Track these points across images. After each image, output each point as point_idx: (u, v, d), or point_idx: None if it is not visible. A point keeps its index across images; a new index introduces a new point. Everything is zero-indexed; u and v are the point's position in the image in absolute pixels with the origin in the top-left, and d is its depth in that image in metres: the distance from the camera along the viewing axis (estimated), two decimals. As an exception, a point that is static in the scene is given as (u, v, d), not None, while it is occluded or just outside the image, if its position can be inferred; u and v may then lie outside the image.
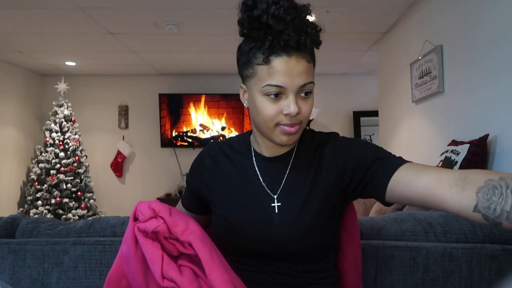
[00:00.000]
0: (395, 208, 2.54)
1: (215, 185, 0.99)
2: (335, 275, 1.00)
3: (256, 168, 0.97)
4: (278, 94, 0.85)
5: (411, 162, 0.86)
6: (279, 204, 0.92)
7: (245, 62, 0.89)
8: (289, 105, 0.84)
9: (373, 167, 0.87)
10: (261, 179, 0.96)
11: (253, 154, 0.99)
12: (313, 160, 0.95)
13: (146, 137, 5.45)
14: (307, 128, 1.01)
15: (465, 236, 1.32)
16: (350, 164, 0.90)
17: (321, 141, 0.97)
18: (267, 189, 0.94)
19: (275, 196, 0.93)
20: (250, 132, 1.03)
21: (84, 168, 4.82)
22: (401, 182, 0.82)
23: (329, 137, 0.98)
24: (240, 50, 0.90)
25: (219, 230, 0.99)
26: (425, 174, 0.79)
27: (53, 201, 4.53)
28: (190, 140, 5.35)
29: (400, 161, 0.86)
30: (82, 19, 3.23)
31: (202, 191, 1.01)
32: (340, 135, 0.99)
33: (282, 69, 0.83)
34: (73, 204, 4.61)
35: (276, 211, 0.92)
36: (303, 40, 0.82)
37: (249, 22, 0.85)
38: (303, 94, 0.86)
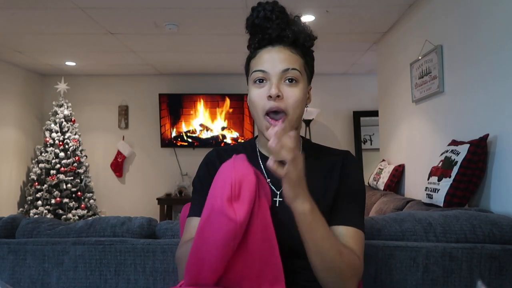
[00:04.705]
0: (395, 208, 2.54)
1: None
2: None
3: (262, 167, 1.03)
4: (263, 79, 0.95)
5: (353, 228, 0.96)
6: (281, 199, 0.97)
7: (246, 65, 1.03)
8: (271, 87, 0.93)
9: (342, 200, 0.98)
10: (266, 176, 1.01)
11: (259, 156, 1.05)
12: (321, 167, 1.03)
13: (146, 137, 5.45)
14: (309, 138, 1.07)
15: (465, 236, 1.32)
16: (342, 184, 1.00)
17: (331, 153, 1.06)
18: (270, 184, 1.00)
19: (278, 192, 0.99)
20: (256, 137, 1.11)
21: (84, 168, 4.82)
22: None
23: (341, 152, 1.06)
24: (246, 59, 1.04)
25: None
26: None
27: (53, 201, 4.52)
28: (190, 140, 5.35)
29: (350, 222, 0.96)
30: (82, 19, 3.23)
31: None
32: (351, 153, 1.08)
33: (266, 56, 0.96)
34: (73, 204, 4.60)
35: (277, 205, 0.98)
36: (286, 33, 0.95)
37: (249, 30, 1.00)
38: (287, 81, 0.94)
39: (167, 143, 5.36)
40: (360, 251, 0.95)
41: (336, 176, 1.00)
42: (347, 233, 0.94)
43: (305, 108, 1.01)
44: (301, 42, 0.97)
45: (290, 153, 0.78)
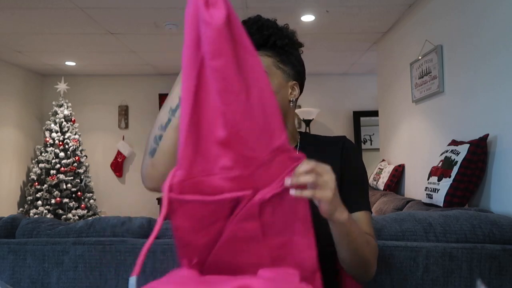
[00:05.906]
0: (395, 208, 2.54)
1: None
2: (334, 272, 1.04)
3: None
4: None
5: (361, 212, 0.99)
6: None
7: None
8: None
9: (347, 188, 1.00)
10: None
11: None
12: (320, 157, 1.03)
13: (146, 137, 5.42)
14: (309, 131, 1.08)
15: (465, 236, 1.32)
16: (344, 171, 1.03)
17: (329, 141, 1.09)
18: None
19: None
20: None
21: (84, 168, 4.82)
22: None
23: (338, 139, 1.09)
24: None
25: None
26: None
27: (53, 201, 4.52)
28: (190, 140, 5.35)
29: (358, 206, 0.99)
30: (82, 19, 3.23)
31: None
32: (347, 139, 1.10)
33: None
34: (73, 204, 4.60)
35: None
36: (251, 39, 0.96)
37: None
38: None
39: (167, 143, 5.36)
40: (373, 231, 1.01)
41: (336, 165, 1.02)
42: (358, 219, 0.99)
43: (290, 102, 1.05)
44: (271, 42, 1.02)
45: (329, 186, 0.77)
